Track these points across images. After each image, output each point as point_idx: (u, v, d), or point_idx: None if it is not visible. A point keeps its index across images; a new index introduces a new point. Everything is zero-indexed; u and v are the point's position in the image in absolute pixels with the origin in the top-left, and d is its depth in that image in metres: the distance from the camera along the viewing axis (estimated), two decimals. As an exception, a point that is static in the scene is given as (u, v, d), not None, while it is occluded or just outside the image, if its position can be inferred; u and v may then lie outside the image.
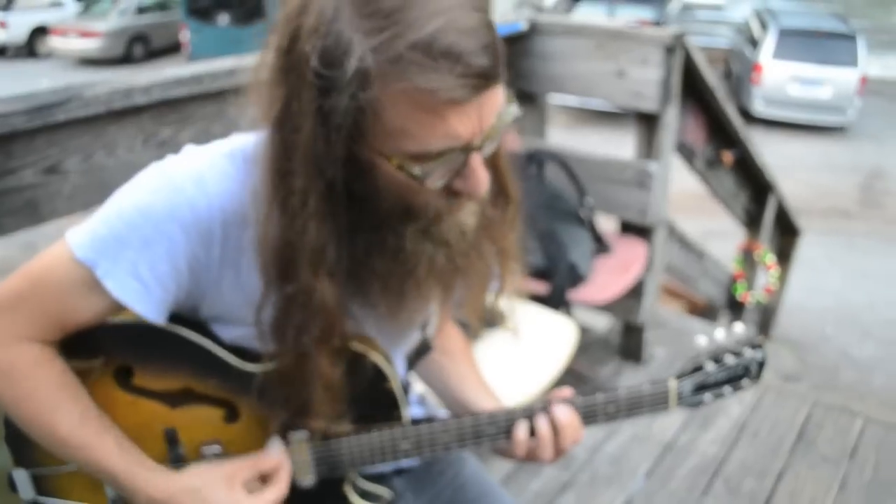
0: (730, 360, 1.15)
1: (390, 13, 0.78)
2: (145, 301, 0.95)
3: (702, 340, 1.14)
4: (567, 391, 1.16)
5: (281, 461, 1.08)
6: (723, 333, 1.16)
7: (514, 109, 0.89)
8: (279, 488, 1.06)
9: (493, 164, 0.95)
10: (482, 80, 0.81)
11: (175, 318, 1.05)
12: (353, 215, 0.92)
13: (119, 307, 0.96)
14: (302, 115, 0.83)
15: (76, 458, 1.01)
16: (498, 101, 0.86)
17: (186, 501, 1.01)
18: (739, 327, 1.16)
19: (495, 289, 1.12)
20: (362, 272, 0.97)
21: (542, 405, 1.14)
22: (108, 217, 0.94)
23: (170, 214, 0.92)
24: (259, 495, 1.04)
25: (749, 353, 1.16)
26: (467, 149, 0.85)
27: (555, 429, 1.13)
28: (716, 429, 2.81)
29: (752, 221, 4.44)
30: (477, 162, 0.87)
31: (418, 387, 1.39)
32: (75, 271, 0.94)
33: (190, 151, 0.98)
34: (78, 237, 0.94)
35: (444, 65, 0.78)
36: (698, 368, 1.15)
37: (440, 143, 0.83)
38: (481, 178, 0.88)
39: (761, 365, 1.17)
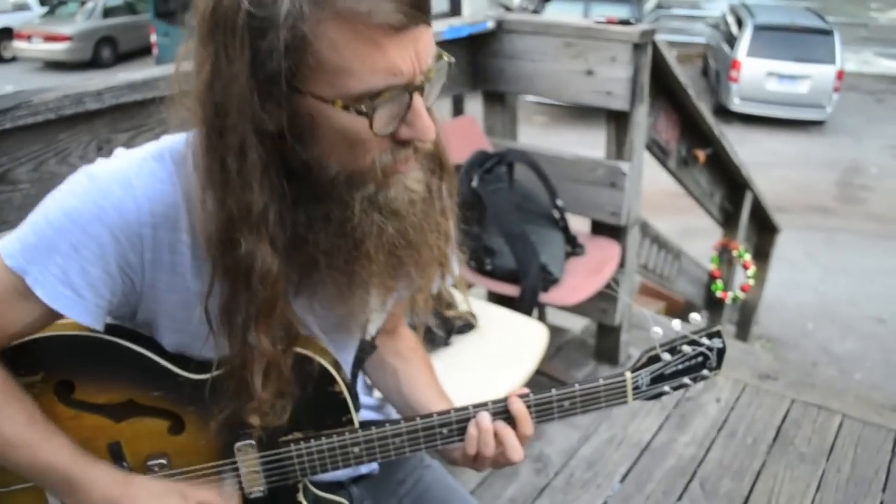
0: (686, 349, 1.14)
1: None
2: (78, 308, 0.94)
3: (658, 331, 1.12)
4: (524, 390, 1.14)
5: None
6: (679, 324, 1.15)
7: (448, 56, 0.90)
8: None
9: None
10: (415, 10, 0.81)
11: (115, 329, 1.05)
12: (295, 186, 0.90)
13: (56, 315, 0.95)
14: (234, 64, 0.81)
15: (21, 461, 0.98)
16: (431, 43, 0.86)
17: (143, 499, 1.01)
18: (696, 317, 1.15)
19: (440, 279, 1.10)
20: (306, 249, 0.94)
21: (497, 404, 1.12)
22: (36, 223, 0.93)
23: (97, 218, 0.91)
24: None
25: (706, 342, 1.14)
26: (409, 88, 0.85)
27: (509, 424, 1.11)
28: (692, 430, 2.78)
29: (728, 220, 4.44)
30: (421, 104, 0.87)
31: (376, 392, 1.36)
32: (6, 280, 0.92)
33: (119, 154, 0.97)
34: (8, 246, 0.93)
35: None
36: (654, 359, 1.14)
37: (382, 79, 0.82)
38: (427, 122, 0.88)
39: (721, 353, 1.15)
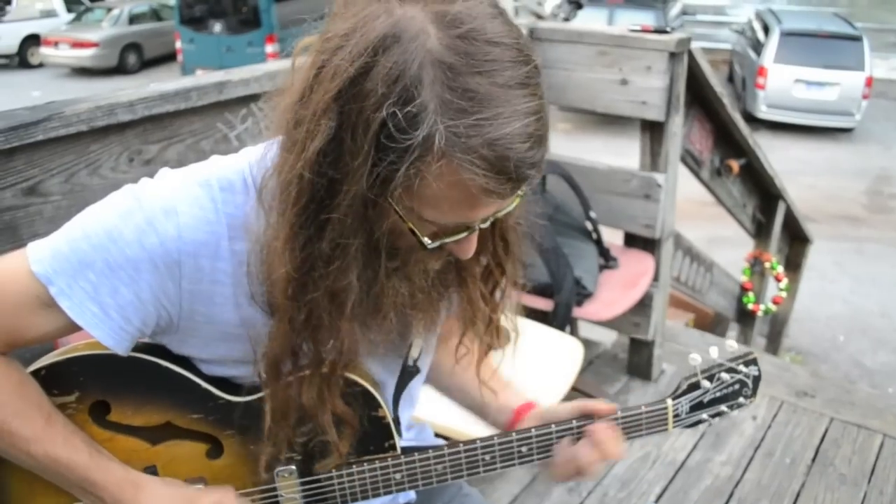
0: (725, 377, 1.15)
1: (476, 97, 0.75)
2: (103, 327, 0.91)
3: (696, 358, 1.13)
4: (610, 407, 1.13)
5: None
6: (716, 351, 1.15)
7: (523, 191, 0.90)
8: None
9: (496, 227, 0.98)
10: (520, 185, 0.81)
11: (154, 348, 1.03)
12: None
13: (77, 327, 0.92)
14: (357, 159, 0.78)
15: (40, 460, 0.96)
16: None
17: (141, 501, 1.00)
18: (731, 344, 1.15)
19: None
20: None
21: (542, 432, 1.11)
22: (72, 235, 0.90)
23: (138, 242, 0.88)
24: None
25: (743, 369, 1.15)
26: (473, 227, 0.87)
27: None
28: (729, 449, 2.71)
29: (760, 230, 4.35)
30: (474, 235, 0.89)
31: (422, 413, 1.33)
32: (30, 286, 0.90)
33: (164, 176, 0.94)
34: (38, 251, 0.90)
35: (506, 169, 0.77)
36: (694, 387, 1.15)
37: (457, 220, 0.84)
38: (470, 247, 0.91)
39: (757, 380, 1.17)
